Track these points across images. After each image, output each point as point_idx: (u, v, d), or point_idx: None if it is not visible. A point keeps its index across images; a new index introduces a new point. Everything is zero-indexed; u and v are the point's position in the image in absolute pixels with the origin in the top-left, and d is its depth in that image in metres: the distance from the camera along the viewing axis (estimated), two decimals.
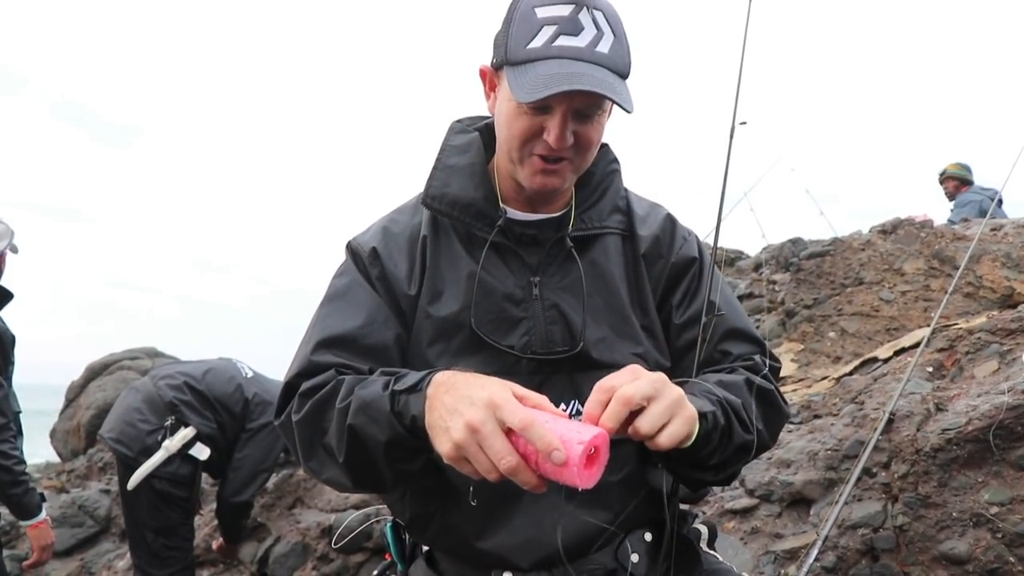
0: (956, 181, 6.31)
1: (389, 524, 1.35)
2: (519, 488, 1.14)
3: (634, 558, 1.19)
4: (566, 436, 0.86)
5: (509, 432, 0.88)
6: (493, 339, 1.17)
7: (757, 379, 1.17)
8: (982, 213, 5.34)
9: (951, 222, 5.68)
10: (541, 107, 1.09)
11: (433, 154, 1.27)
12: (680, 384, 1.09)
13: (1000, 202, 5.54)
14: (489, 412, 0.87)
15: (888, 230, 4.56)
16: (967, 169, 6.32)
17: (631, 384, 0.92)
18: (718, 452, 1.04)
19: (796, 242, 4.80)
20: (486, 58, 1.22)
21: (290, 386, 1.14)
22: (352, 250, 1.26)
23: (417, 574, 1.27)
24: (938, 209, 6.30)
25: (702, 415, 1.00)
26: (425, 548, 1.28)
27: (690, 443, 0.98)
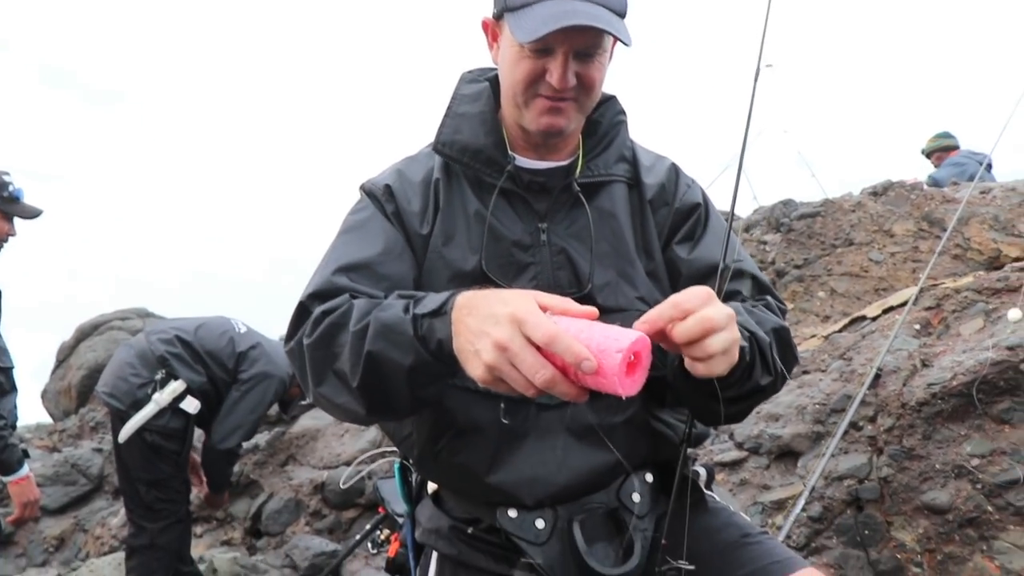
0: (939, 151, 6.31)
1: (397, 465, 1.38)
2: (526, 427, 1.17)
3: (635, 497, 1.22)
4: (603, 345, 0.83)
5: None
6: (502, 283, 1.19)
7: (781, 321, 1.20)
8: (970, 177, 5.37)
9: (932, 178, 5.72)
10: (543, 49, 1.12)
11: (433, 109, 1.31)
12: None
13: (989, 167, 5.57)
14: (515, 328, 0.85)
15: (879, 192, 4.59)
16: (944, 136, 6.31)
17: (715, 309, 0.92)
18: (735, 387, 1.05)
19: (787, 203, 4.82)
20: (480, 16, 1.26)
21: (303, 308, 1.11)
22: (367, 190, 1.28)
23: (424, 514, 1.31)
24: (926, 176, 6.31)
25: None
26: (432, 488, 1.31)
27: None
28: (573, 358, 0.82)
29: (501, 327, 0.86)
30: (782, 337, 1.18)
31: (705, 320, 0.90)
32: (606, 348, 0.83)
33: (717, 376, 0.94)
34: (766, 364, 1.10)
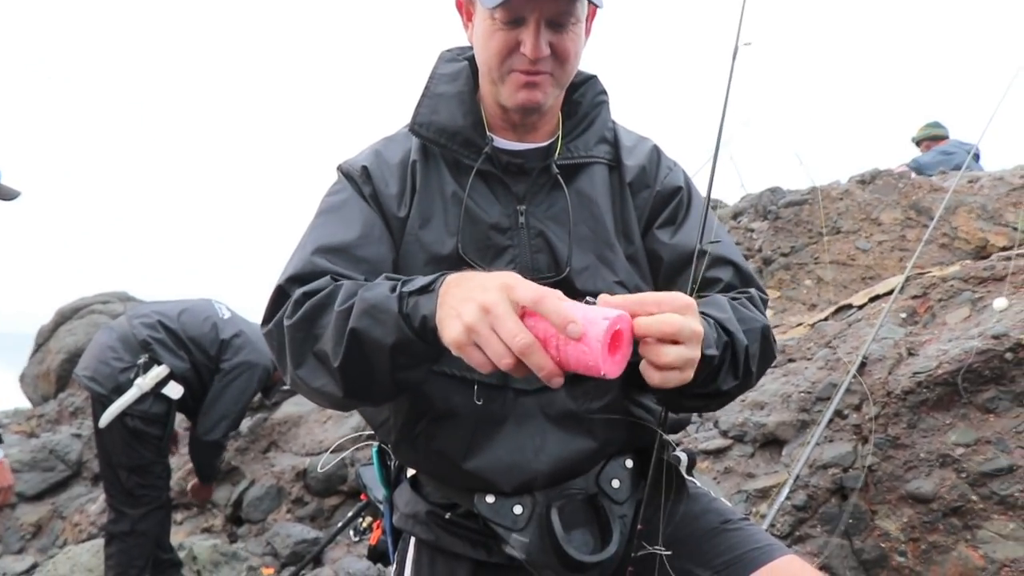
0: (928, 140, 6.36)
1: (375, 448, 1.36)
2: (503, 413, 1.15)
3: (615, 483, 1.20)
4: (589, 315, 0.83)
5: (523, 317, 0.85)
6: (480, 266, 1.16)
7: (765, 320, 1.18)
8: (958, 167, 5.38)
9: (916, 162, 5.75)
10: (514, 21, 1.11)
11: (414, 89, 1.28)
12: (699, 300, 1.08)
13: (977, 156, 5.58)
14: (502, 293, 0.85)
15: (866, 180, 4.58)
16: (934, 125, 6.36)
17: (685, 320, 0.91)
18: (697, 387, 1.02)
19: (775, 191, 4.80)
20: None
21: (281, 290, 1.09)
22: (344, 171, 1.25)
23: (401, 499, 1.29)
24: (910, 159, 6.39)
25: (704, 358, 0.97)
26: (410, 473, 1.29)
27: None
28: (560, 319, 0.82)
29: (488, 292, 0.86)
30: (765, 337, 1.16)
31: (668, 325, 0.89)
32: (592, 317, 0.83)
33: (667, 387, 0.93)
34: (735, 369, 1.08)
